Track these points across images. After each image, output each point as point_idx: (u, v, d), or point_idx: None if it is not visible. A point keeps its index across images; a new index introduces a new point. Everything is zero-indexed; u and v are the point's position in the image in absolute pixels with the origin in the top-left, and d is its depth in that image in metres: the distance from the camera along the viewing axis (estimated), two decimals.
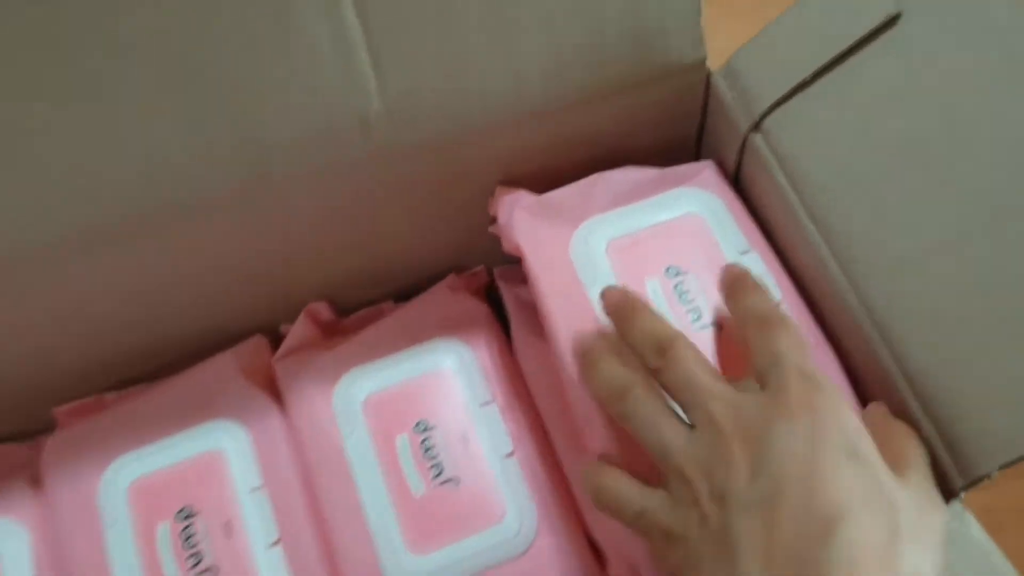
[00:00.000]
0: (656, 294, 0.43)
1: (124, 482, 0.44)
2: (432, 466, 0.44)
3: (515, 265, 0.50)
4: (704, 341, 0.41)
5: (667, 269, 0.43)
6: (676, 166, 0.48)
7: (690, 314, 0.42)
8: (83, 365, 0.48)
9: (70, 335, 0.46)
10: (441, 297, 0.48)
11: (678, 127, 0.49)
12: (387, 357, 0.47)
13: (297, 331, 0.48)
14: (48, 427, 0.49)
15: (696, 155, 0.51)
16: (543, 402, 0.46)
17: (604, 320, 0.40)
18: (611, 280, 0.43)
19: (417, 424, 0.45)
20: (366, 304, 0.51)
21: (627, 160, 0.47)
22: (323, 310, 0.49)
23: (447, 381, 0.45)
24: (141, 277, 0.44)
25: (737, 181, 0.47)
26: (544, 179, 0.46)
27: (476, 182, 0.46)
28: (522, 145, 0.45)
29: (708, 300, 0.42)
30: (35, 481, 0.46)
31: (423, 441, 0.44)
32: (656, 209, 0.45)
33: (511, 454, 0.44)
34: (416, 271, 0.50)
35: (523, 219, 0.44)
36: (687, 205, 0.45)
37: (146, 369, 0.49)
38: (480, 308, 0.48)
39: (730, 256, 0.44)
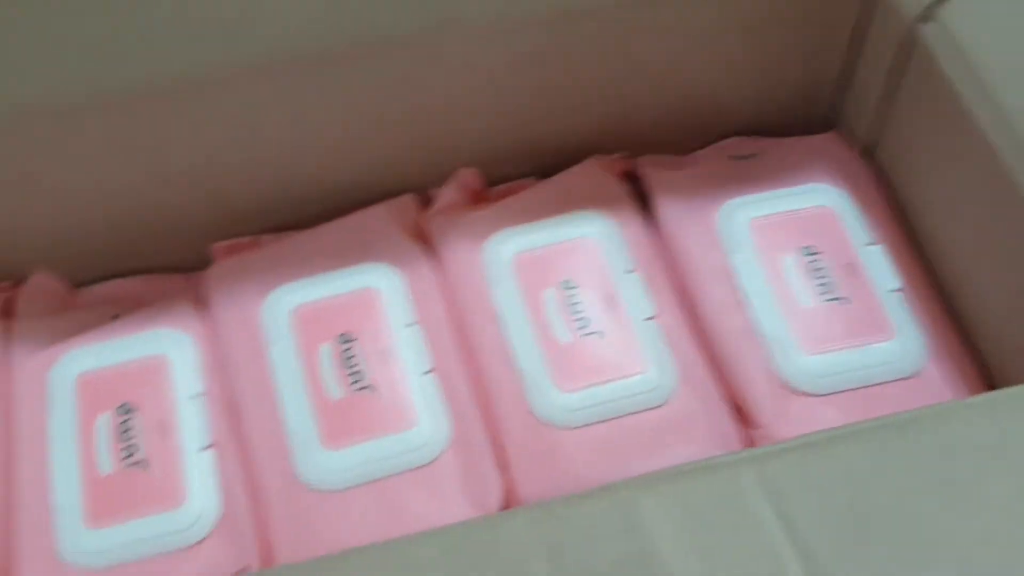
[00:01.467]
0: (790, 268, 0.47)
1: (287, 307, 0.46)
2: (577, 319, 0.46)
3: (660, 155, 0.53)
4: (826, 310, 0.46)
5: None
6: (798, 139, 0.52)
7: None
8: (243, 206, 0.51)
9: (233, 175, 0.49)
10: (587, 174, 0.51)
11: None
12: (534, 222, 0.49)
13: (447, 194, 0.50)
14: (205, 263, 0.51)
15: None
16: (690, 279, 0.47)
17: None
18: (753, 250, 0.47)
19: (564, 282, 0.47)
20: (510, 179, 0.53)
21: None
22: (472, 177, 0.51)
23: (591, 248, 0.48)
24: (307, 119, 0.47)
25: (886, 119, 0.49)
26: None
27: (638, 70, 0.48)
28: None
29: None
30: (199, 303, 0.48)
31: (569, 297, 0.46)
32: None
33: (652, 318, 0.46)
34: (563, 151, 0.52)
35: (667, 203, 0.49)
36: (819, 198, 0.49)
37: (299, 216, 0.52)
38: (622, 188, 0.50)
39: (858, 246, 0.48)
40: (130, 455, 0.43)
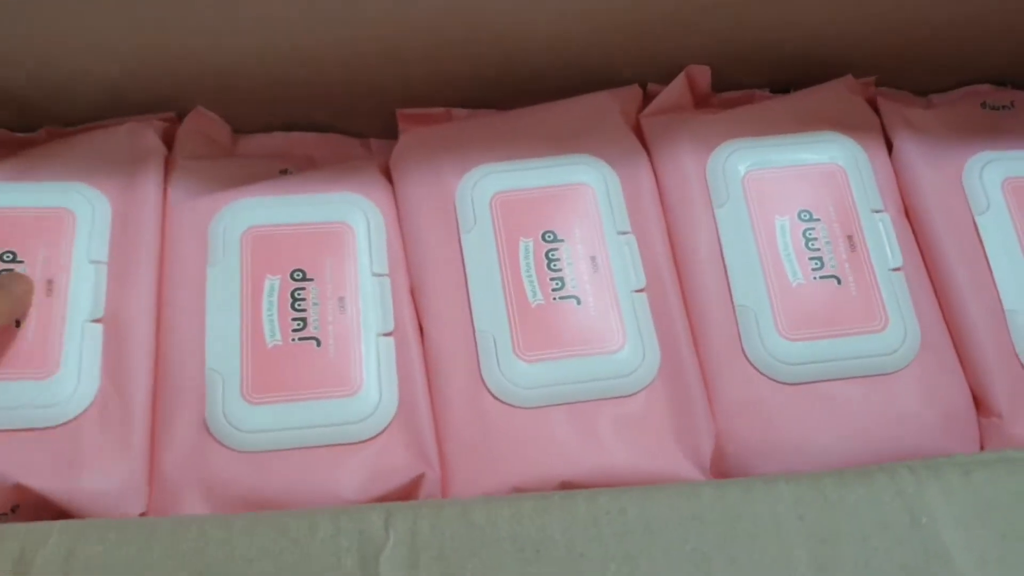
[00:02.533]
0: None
1: (487, 191, 0.41)
2: (812, 258, 0.41)
3: (899, 90, 0.47)
4: None
5: None
6: None
7: None
8: (431, 70, 0.45)
9: (426, 34, 0.43)
10: (835, 94, 0.45)
11: None
12: (770, 137, 0.43)
13: (672, 91, 0.45)
14: (385, 131, 0.46)
15: None
16: (928, 234, 0.42)
17: None
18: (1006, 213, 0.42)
19: (800, 213, 0.41)
20: (740, 87, 0.47)
21: None
22: (703, 76, 0.45)
23: (834, 177, 0.42)
24: None
25: None
26: None
27: None
28: None
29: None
30: (386, 173, 0.43)
31: (804, 231, 0.41)
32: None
33: (899, 268, 0.41)
34: (804, 65, 0.46)
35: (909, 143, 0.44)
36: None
37: (496, 94, 0.46)
38: (873, 117, 0.44)
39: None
40: (302, 327, 0.39)
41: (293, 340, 0.38)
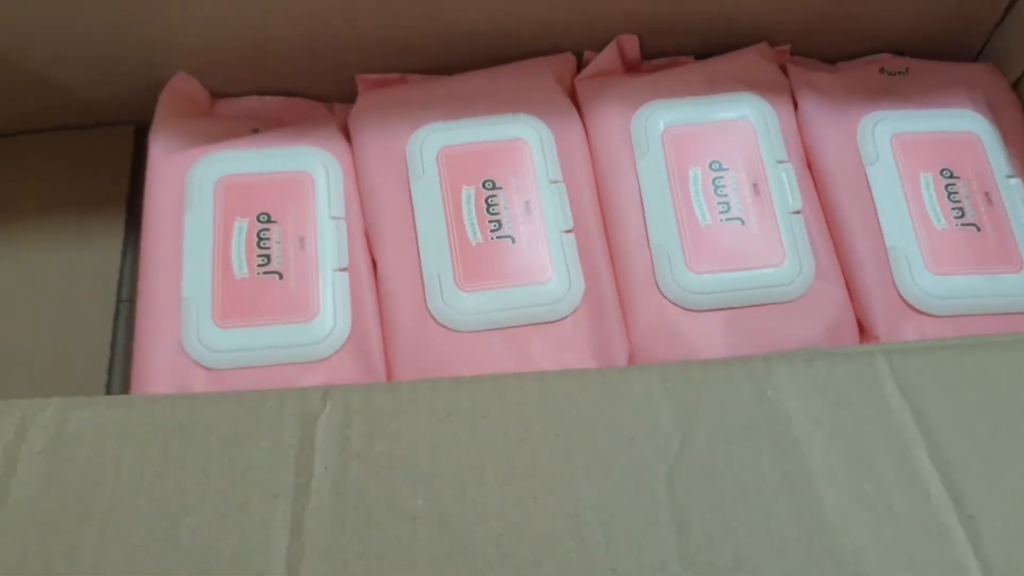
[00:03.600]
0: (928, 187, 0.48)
1: (434, 145, 0.47)
2: (720, 203, 0.46)
3: (809, 58, 0.53)
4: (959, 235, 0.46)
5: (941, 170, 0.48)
6: (949, 64, 0.52)
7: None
8: (386, 40, 0.51)
9: (374, 14, 0.49)
10: (750, 59, 0.50)
11: None
12: (688, 97, 0.49)
13: (604, 58, 0.50)
14: (347, 96, 0.52)
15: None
16: (825, 183, 0.48)
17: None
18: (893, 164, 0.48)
19: (711, 163, 0.47)
20: (668, 55, 0.52)
21: None
22: (632, 45, 0.51)
23: (746, 132, 0.48)
24: None
25: None
26: None
27: None
28: None
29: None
30: (344, 131, 0.49)
31: (714, 180, 0.47)
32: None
33: (798, 211, 0.46)
34: (726, 34, 0.51)
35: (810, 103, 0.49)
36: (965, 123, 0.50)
37: (447, 62, 0.52)
38: (784, 80, 0.50)
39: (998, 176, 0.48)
40: (266, 262, 0.45)
41: (258, 274, 0.44)
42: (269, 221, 0.45)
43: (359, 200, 0.47)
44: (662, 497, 0.30)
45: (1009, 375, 0.33)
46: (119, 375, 0.47)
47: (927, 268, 0.45)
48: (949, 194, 0.46)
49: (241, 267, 0.44)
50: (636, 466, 0.31)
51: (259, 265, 0.44)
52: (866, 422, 0.32)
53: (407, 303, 0.44)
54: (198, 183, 0.46)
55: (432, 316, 0.43)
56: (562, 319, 0.44)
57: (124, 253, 0.49)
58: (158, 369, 0.41)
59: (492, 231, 0.45)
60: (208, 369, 0.42)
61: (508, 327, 0.43)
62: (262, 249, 0.44)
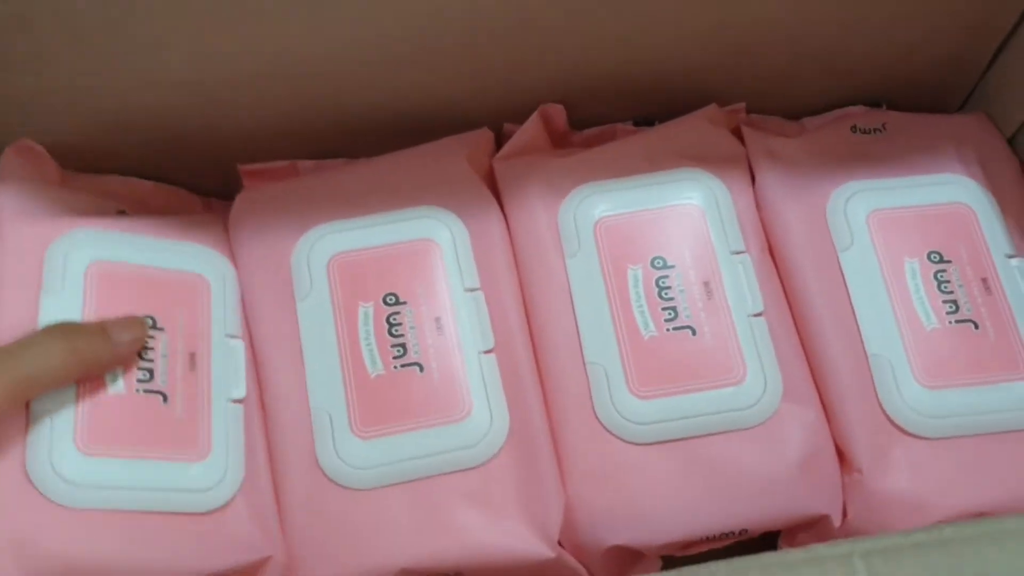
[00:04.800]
0: (914, 277, 0.40)
1: (324, 253, 0.39)
2: (666, 308, 0.39)
3: (769, 116, 0.45)
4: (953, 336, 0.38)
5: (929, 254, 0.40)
6: (933, 116, 0.44)
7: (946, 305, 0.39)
8: (274, 126, 0.43)
9: (260, 90, 0.40)
10: (697, 126, 0.43)
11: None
12: (625, 179, 0.41)
13: (526, 132, 0.43)
14: (227, 187, 0.44)
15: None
16: (790, 274, 0.40)
17: None
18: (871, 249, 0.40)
19: (654, 260, 0.40)
20: (601, 122, 0.45)
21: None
22: (558, 115, 0.43)
23: (694, 219, 0.40)
24: (360, 21, 0.38)
25: None
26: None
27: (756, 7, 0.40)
28: None
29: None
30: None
31: (659, 280, 0.39)
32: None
33: (760, 313, 0.39)
34: (667, 91, 0.43)
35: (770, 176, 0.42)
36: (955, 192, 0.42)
37: (344, 144, 0.44)
38: (738, 148, 0.42)
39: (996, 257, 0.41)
40: (148, 378, 0.37)
41: (138, 391, 0.36)
42: (154, 327, 0.37)
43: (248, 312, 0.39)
44: None
45: None
46: None
47: (916, 380, 0.37)
48: (939, 284, 0.39)
49: (116, 381, 0.35)
50: None
51: (140, 380, 0.36)
52: None
53: (295, 454, 0.36)
54: (61, 263, 0.37)
55: (323, 471, 0.36)
56: (482, 464, 0.36)
57: None
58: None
59: (395, 358, 0.37)
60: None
61: (414, 479, 0.36)
62: (145, 361, 0.36)
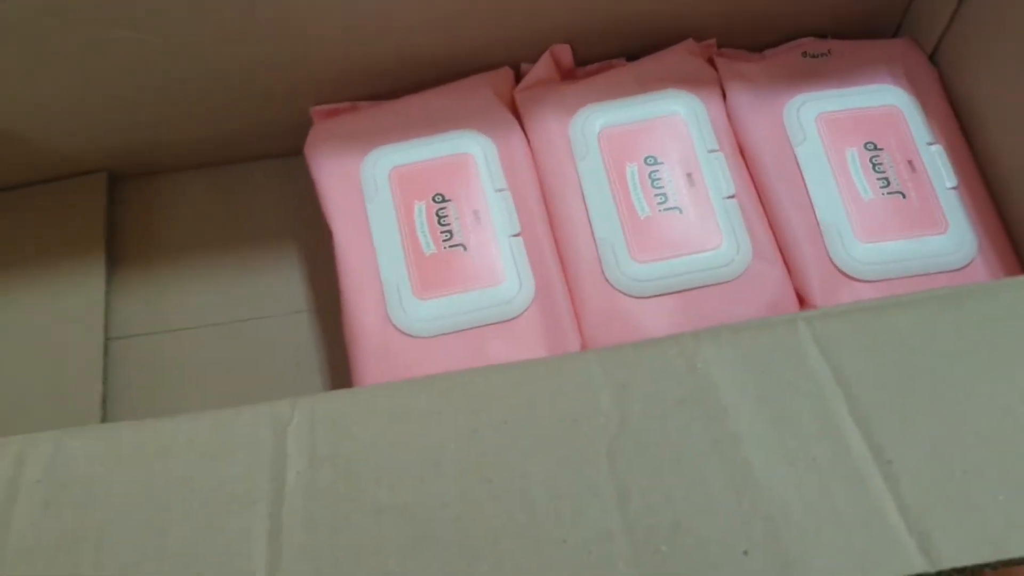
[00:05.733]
0: (854, 161, 0.50)
1: (385, 167, 0.50)
2: (657, 195, 0.49)
3: (740, 50, 0.56)
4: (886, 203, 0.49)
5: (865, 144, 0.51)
6: (869, 42, 0.55)
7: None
8: (340, 70, 0.54)
9: (330, 35, 0.51)
10: (677, 57, 0.53)
11: None
12: (622, 98, 0.52)
13: (539, 69, 0.53)
14: (304, 126, 0.55)
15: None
16: (757, 167, 0.51)
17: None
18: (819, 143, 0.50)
19: (646, 158, 0.50)
20: (601, 59, 0.56)
21: None
22: (565, 54, 0.54)
23: (678, 126, 0.51)
24: None
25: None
26: None
27: None
28: None
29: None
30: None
31: (651, 174, 0.50)
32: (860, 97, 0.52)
33: (732, 196, 0.49)
34: (653, 34, 0.54)
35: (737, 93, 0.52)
36: (886, 98, 0.52)
37: (395, 87, 0.55)
38: (711, 72, 0.53)
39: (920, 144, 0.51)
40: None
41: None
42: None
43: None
44: (604, 471, 0.33)
45: (919, 330, 0.36)
46: (114, 410, 0.50)
47: (857, 238, 0.48)
48: (874, 165, 0.49)
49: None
50: (579, 445, 0.34)
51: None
52: (789, 385, 0.35)
53: (371, 312, 0.47)
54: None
55: (393, 324, 0.46)
56: (515, 318, 0.47)
57: (108, 293, 0.52)
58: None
59: (444, 240, 0.48)
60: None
61: (465, 329, 0.46)
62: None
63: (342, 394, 0.35)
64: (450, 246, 0.48)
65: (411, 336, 0.46)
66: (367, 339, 0.46)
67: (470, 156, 0.50)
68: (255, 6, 0.47)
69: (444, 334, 0.46)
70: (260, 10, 0.47)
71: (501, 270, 0.47)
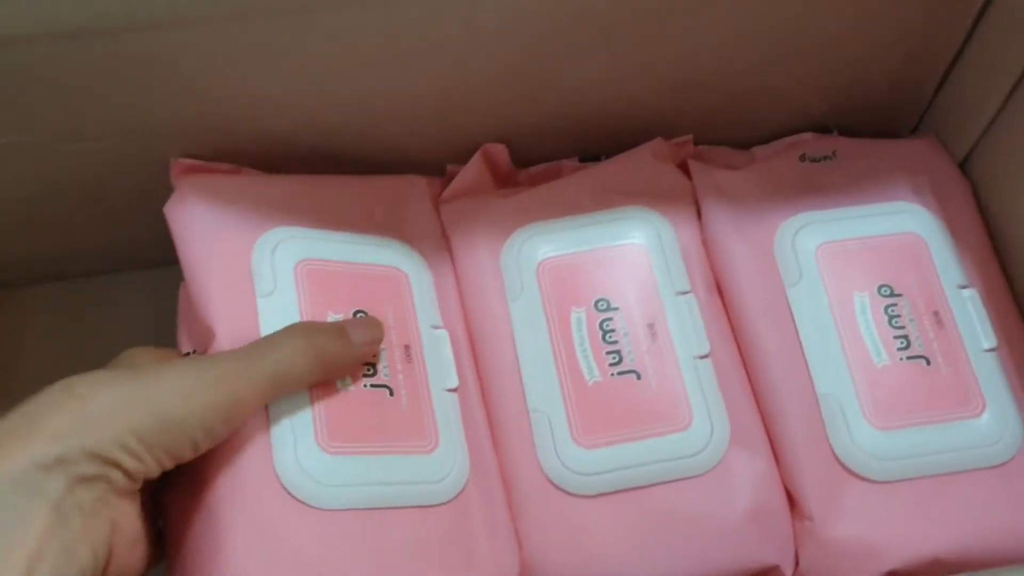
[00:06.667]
0: (864, 312, 0.39)
1: (290, 260, 0.38)
2: (610, 352, 0.38)
3: (719, 146, 0.44)
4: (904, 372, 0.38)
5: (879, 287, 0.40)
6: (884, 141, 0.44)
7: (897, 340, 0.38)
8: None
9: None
10: (641, 162, 0.42)
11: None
12: (568, 218, 0.40)
13: (469, 172, 0.42)
14: None
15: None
16: (738, 312, 0.39)
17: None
18: (819, 283, 0.39)
19: (598, 301, 0.39)
20: (546, 159, 0.44)
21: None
22: (500, 154, 0.42)
23: (638, 258, 0.40)
24: (313, 66, 0.37)
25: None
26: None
27: (700, 36, 0.39)
28: None
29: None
30: None
31: (603, 323, 0.38)
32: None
33: (706, 355, 0.38)
34: (612, 126, 0.43)
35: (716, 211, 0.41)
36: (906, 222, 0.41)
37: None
38: (684, 182, 0.42)
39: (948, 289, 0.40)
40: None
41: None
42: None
43: None
44: None
45: None
46: None
47: (867, 420, 0.37)
48: (890, 318, 0.38)
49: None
50: None
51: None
52: None
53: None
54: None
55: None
56: (443, 504, 0.35)
57: None
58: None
59: (365, 376, 0.36)
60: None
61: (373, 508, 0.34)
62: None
63: None
64: (372, 385, 0.37)
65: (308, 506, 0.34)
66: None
67: (403, 275, 0.40)
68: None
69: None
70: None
71: (435, 433, 0.37)
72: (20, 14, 0.31)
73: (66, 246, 0.46)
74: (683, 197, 0.41)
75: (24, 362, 0.47)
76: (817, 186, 0.42)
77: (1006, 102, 0.39)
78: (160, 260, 0.44)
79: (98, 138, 0.38)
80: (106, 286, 0.49)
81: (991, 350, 0.38)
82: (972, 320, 0.39)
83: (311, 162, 0.42)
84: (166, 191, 0.39)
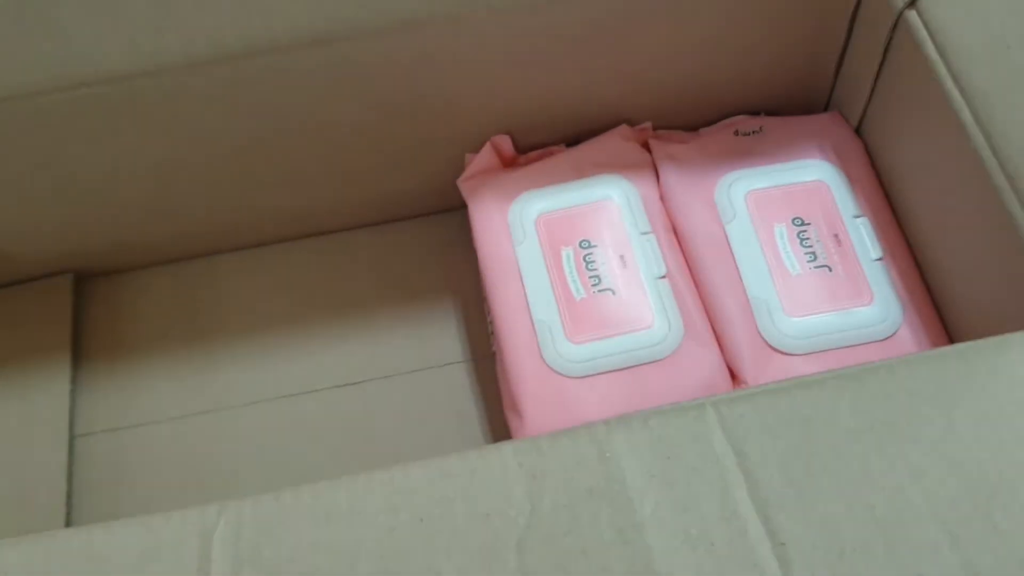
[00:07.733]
0: (782, 237, 0.52)
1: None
2: (591, 276, 0.51)
3: (673, 130, 0.58)
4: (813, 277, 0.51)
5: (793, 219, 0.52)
6: (799, 117, 0.57)
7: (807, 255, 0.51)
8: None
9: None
10: (612, 143, 0.56)
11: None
12: (559, 184, 0.54)
13: (482, 158, 0.56)
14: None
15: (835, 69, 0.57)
16: (689, 245, 0.53)
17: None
18: (748, 220, 0.52)
19: (582, 241, 0.52)
20: (540, 146, 0.58)
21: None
22: (505, 143, 0.56)
23: (611, 210, 0.53)
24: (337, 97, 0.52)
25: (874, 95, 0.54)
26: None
27: (654, 35, 0.53)
28: None
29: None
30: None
31: (585, 256, 0.52)
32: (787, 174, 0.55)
33: (664, 276, 0.51)
34: (590, 121, 0.57)
35: (670, 174, 0.55)
36: (814, 172, 0.54)
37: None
38: (645, 156, 0.55)
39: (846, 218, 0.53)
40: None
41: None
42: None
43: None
44: (512, 564, 0.35)
45: (820, 410, 0.38)
46: (80, 506, 0.52)
47: (786, 312, 0.49)
48: (801, 240, 0.51)
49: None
50: (490, 539, 0.36)
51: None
52: (693, 470, 0.37)
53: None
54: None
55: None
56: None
57: (73, 392, 0.54)
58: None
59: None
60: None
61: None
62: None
63: (268, 498, 0.37)
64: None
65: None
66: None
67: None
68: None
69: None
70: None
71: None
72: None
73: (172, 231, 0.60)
74: (645, 167, 0.55)
75: (140, 333, 0.60)
76: (747, 152, 0.55)
77: (875, 83, 0.53)
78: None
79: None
80: (207, 266, 0.62)
81: (878, 259, 0.51)
82: (864, 239, 0.52)
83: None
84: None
